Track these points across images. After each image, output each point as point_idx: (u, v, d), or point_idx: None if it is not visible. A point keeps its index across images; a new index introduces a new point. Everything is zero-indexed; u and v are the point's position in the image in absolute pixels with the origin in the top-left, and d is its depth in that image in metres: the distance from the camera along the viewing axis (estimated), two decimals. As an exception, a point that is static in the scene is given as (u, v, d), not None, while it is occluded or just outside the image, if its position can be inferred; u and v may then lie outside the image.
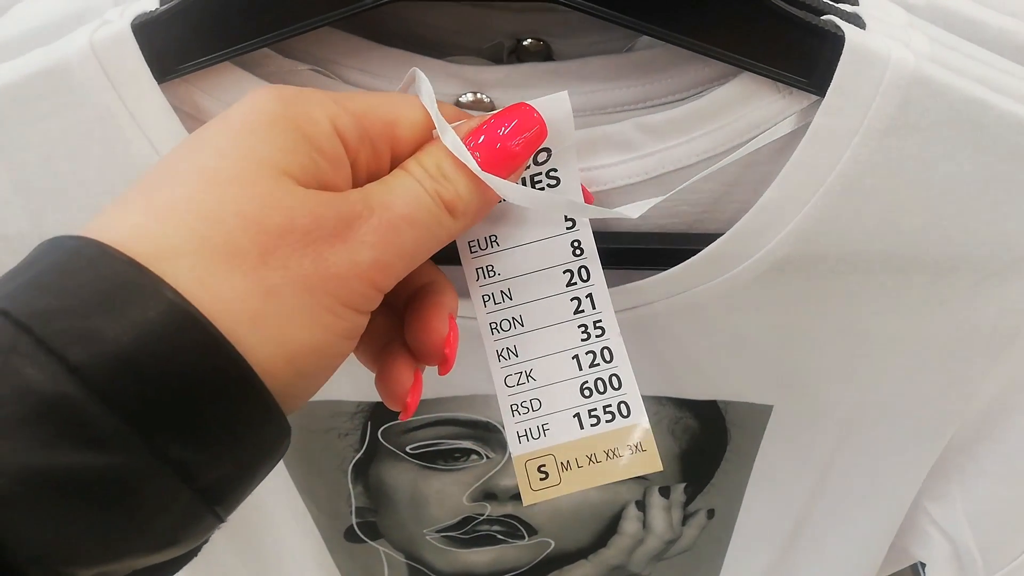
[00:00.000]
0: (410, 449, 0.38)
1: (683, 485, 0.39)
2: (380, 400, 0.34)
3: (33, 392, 0.16)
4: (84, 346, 0.16)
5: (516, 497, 0.40)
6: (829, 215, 0.26)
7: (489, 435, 0.37)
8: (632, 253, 0.29)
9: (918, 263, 0.27)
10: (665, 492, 0.40)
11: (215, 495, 0.18)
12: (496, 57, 0.32)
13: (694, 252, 0.28)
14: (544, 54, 0.32)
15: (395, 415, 0.36)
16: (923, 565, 0.37)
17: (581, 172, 0.27)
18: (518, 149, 0.23)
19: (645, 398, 0.33)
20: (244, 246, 0.18)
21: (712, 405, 0.35)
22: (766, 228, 0.27)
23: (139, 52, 0.25)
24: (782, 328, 0.30)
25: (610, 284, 0.26)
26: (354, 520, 0.43)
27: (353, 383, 0.34)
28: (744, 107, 0.26)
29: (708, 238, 0.28)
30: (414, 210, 0.21)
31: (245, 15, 0.25)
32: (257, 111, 0.20)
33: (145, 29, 0.25)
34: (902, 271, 0.28)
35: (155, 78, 0.26)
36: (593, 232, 0.26)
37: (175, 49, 0.26)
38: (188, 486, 0.17)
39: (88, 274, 0.17)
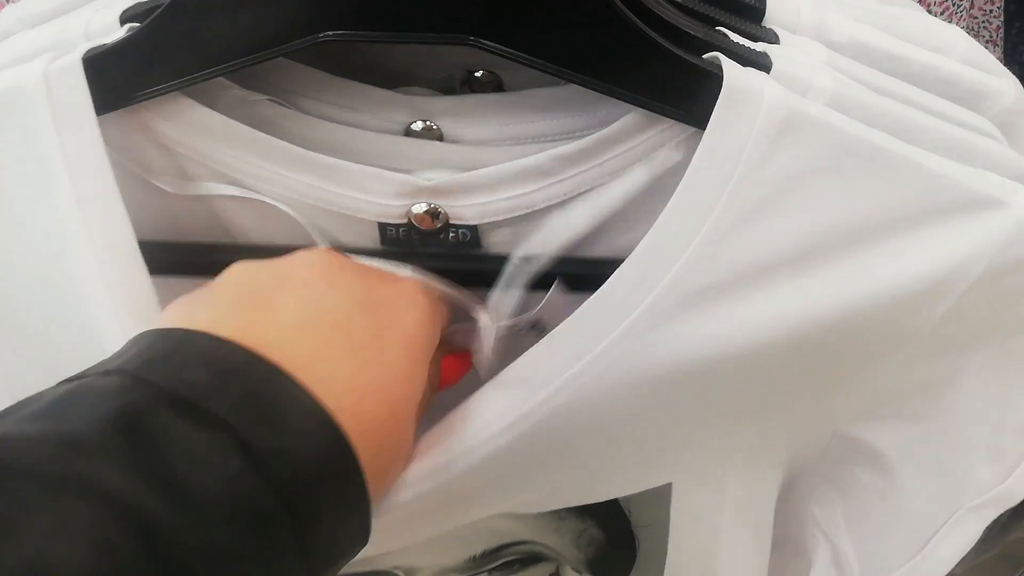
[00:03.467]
0: None
1: None
2: None
3: (241, 491, 0.19)
4: (284, 460, 0.20)
5: None
6: (703, 260, 0.26)
7: None
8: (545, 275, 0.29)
9: (790, 310, 0.27)
10: (579, 568, 0.38)
11: None
12: (449, 88, 0.34)
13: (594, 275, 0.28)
14: (495, 85, 0.34)
15: None
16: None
17: (511, 200, 0.29)
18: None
19: (544, 515, 0.34)
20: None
21: (613, 505, 0.33)
22: (647, 274, 0.27)
23: (85, 83, 0.27)
24: (668, 386, 0.28)
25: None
26: None
27: None
28: (642, 134, 0.28)
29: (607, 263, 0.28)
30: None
31: (181, 53, 0.27)
32: (420, 330, 0.26)
33: (94, 61, 0.27)
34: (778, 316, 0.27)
35: (99, 111, 0.27)
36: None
37: (125, 81, 0.27)
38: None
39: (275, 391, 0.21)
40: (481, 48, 0.25)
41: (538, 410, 0.27)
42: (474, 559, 0.37)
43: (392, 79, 0.33)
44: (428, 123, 0.31)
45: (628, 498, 0.33)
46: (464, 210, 0.29)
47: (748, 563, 0.34)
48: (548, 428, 0.27)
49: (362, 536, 0.23)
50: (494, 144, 0.31)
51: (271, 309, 0.23)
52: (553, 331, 0.28)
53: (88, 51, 0.27)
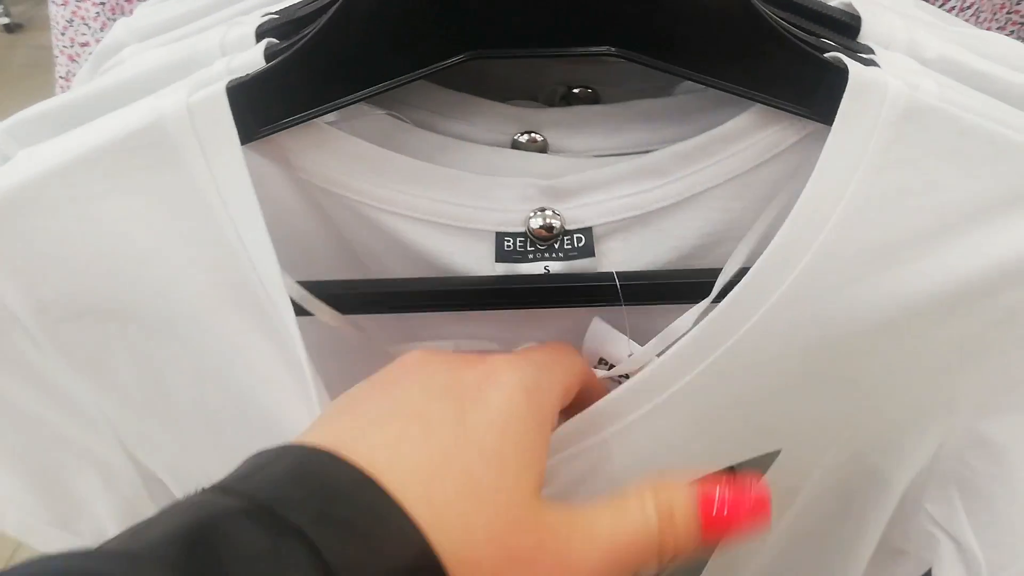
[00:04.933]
0: None
1: None
2: None
3: None
4: (360, 572, 0.18)
5: None
6: (841, 243, 0.27)
7: None
8: (663, 287, 0.30)
9: (921, 290, 0.29)
10: None
11: None
12: (550, 102, 0.35)
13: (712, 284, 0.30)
14: (592, 100, 0.35)
15: None
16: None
17: (626, 198, 0.30)
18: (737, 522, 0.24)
19: None
20: (486, 552, 0.21)
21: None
22: (785, 262, 0.28)
23: (228, 114, 0.27)
24: (796, 364, 0.30)
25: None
26: None
27: None
28: (760, 132, 0.29)
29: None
30: (636, 541, 0.23)
31: (325, 79, 0.28)
32: (511, 408, 0.23)
33: (237, 93, 0.27)
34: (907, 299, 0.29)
35: (243, 139, 0.28)
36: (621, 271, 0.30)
37: (268, 109, 0.28)
38: None
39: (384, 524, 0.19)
40: (619, 58, 0.27)
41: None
42: None
43: (493, 94, 0.35)
44: (533, 134, 0.33)
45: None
46: (581, 211, 0.31)
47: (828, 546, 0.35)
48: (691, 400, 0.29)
49: None
50: (597, 153, 0.32)
51: (357, 413, 0.23)
52: (705, 319, 0.29)
53: (231, 82, 0.28)
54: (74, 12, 0.49)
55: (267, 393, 0.31)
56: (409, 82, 0.28)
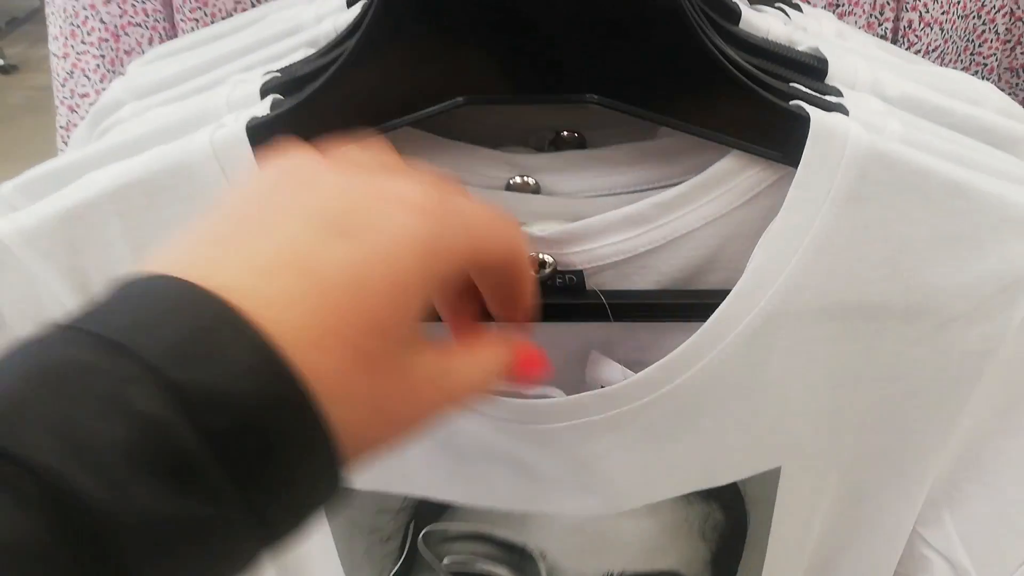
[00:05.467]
0: (447, 562, 0.40)
1: None
2: (425, 498, 0.37)
3: (163, 440, 0.17)
4: (217, 402, 0.17)
5: None
6: (808, 272, 0.30)
7: (524, 562, 0.39)
8: (647, 307, 0.33)
9: (886, 311, 0.32)
10: None
11: (277, 542, 0.19)
12: (539, 147, 0.37)
13: (697, 304, 0.32)
14: (578, 143, 0.37)
15: (437, 516, 0.39)
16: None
17: (614, 245, 0.32)
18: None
19: (677, 503, 0.37)
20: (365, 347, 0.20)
21: (732, 487, 0.37)
22: (758, 286, 0.31)
23: (249, 152, 0.30)
24: (776, 384, 0.33)
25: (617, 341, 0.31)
26: None
27: (403, 475, 0.37)
28: (736, 177, 0.31)
29: (712, 293, 0.32)
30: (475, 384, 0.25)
31: (333, 121, 0.30)
32: (410, 234, 0.21)
33: (256, 131, 0.30)
34: (874, 318, 0.32)
35: None
36: (614, 289, 0.32)
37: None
38: (260, 538, 0.19)
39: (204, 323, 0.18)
40: (601, 106, 0.29)
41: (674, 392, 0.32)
42: None
43: (485, 141, 0.37)
44: (525, 178, 0.35)
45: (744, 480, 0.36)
46: (572, 257, 0.33)
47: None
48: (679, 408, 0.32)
49: (330, 487, 0.20)
50: (587, 195, 0.34)
51: (236, 246, 0.21)
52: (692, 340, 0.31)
53: (250, 121, 0.30)
54: (74, 64, 0.51)
55: None
56: (409, 123, 0.30)
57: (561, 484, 0.35)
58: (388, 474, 0.36)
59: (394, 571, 0.40)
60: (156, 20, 0.51)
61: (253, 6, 0.51)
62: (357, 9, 0.36)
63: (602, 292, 0.33)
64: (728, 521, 0.39)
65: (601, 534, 0.38)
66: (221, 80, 0.37)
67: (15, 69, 2.95)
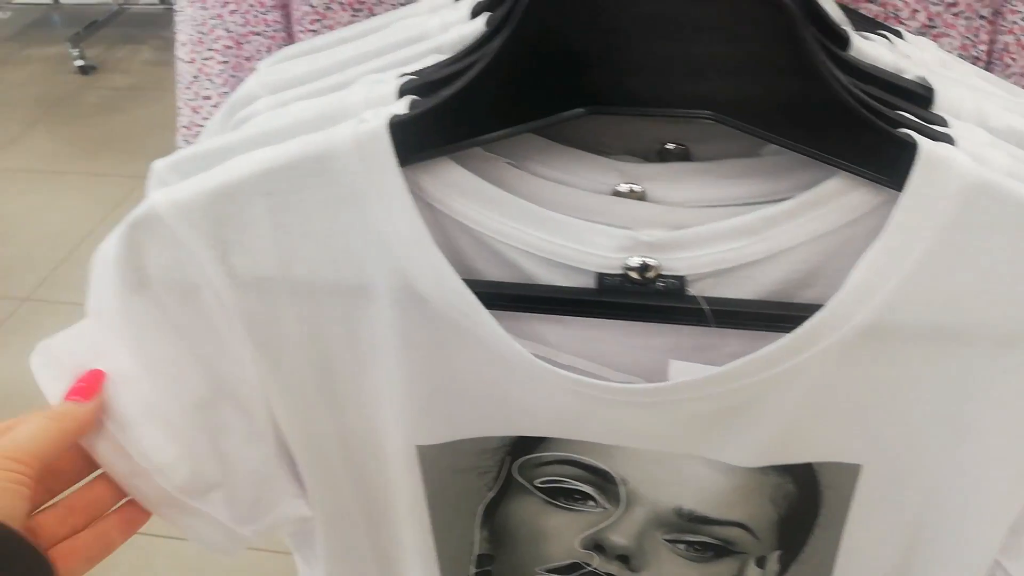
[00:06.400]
0: (538, 483, 0.43)
1: (778, 554, 0.43)
2: (522, 436, 0.40)
3: None
4: None
5: (622, 558, 0.44)
6: (906, 293, 0.32)
7: (607, 485, 0.42)
8: (750, 316, 0.35)
9: (982, 337, 0.33)
10: (761, 563, 0.43)
11: None
12: (646, 158, 0.39)
13: (795, 316, 0.33)
14: (683, 156, 0.39)
15: (532, 448, 0.42)
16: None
17: (718, 254, 0.34)
18: None
19: (751, 469, 0.39)
20: None
21: (808, 468, 0.39)
22: (856, 302, 0.33)
23: (391, 145, 0.33)
24: (862, 394, 0.35)
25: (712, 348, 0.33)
26: (473, 570, 0.47)
27: (505, 419, 0.40)
28: (842, 198, 0.33)
29: (807, 307, 0.34)
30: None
31: (467, 122, 0.33)
32: None
33: (396, 128, 0.33)
34: (969, 343, 0.33)
35: (399, 164, 0.33)
36: (715, 296, 0.34)
37: (414, 144, 0.33)
38: None
39: None
40: (719, 122, 0.31)
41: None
42: (681, 512, 0.41)
43: (594, 149, 0.39)
44: (633, 186, 0.37)
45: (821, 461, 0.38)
46: (676, 262, 0.35)
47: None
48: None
49: None
50: (693, 206, 0.36)
51: None
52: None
53: (392, 118, 0.33)
54: (200, 69, 0.54)
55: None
56: (533, 129, 0.33)
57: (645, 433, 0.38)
58: (491, 420, 0.40)
59: (489, 499, 0.43)
60: (275, 31, 0.54)
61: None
62: (482, 21, 0.39)
63: (704, 298, 0.34)
64: (800, 495, 0.40)
65: (678, 471, 0.40)
66: (350, 81, 0.40)
67: (93, 70, 3.08)
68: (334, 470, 0.43)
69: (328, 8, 0.53)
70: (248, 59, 0.54)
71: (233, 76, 0.54)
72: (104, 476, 0.38)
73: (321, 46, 0.46)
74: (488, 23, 0.38)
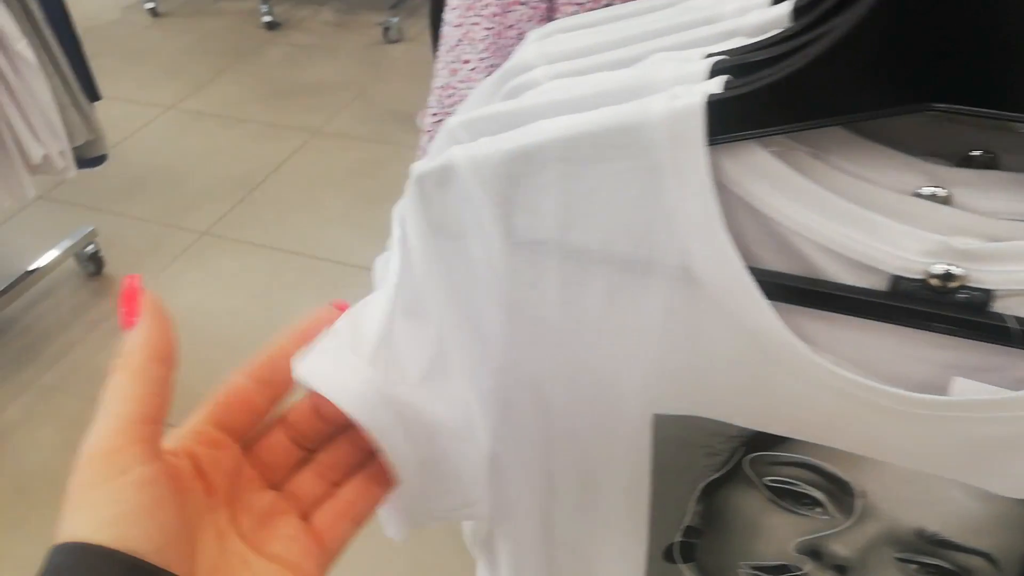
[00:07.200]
0: (767, 480, 0.43)
1: None
2: (761, 431, 0.40)
3: None
4: None
5: (839, 568, 0.43)
6: None
7: (842, 496, 0.41)
8: None
9: None
10: None
11: None
12: (952, 162, 0.37)
13: None
14: (989, 164, 0.37)
15: (770, 446, 0.41)
16: None
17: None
18: None
19: (1013, 500, 0.37)
20: None
21: None
22: None
23: (703, 123, 0.33)
24: None
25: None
26: (678, 538, 0.48)
27: (753, 411, 0.39)
28: None
29: None
30: None
31: (787, 107, 0.33)
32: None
33: (713, 106, 0.33)
34: None
35: (707, 143, 0.33)
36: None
37: (725, 124, 0.33)
38: None
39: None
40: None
41: None
42: (923, 534, 0.40)
43: (892, 146, 0.38)
44: (937, 190, 0.35)
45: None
46: (985, 275, 0.33)
47: None
48: None
49: None
50: (1005, 217, 0.34)
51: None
52: None
53: (709, 96, 0.33)
54: (465, 34, 0.56)
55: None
56: (865, 120, 0.31)
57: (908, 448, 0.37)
58: (737, 409, 0.39)
59: (711, 479, 0.43)
60: (539, 1, 0.55)
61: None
62: (786, 7, 0.38)
63: (1015, 317, 0.32)
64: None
65: (928, 491, 0.38)
66: (638, 57, 0.40)
67: (278, 26, 3.26)
68: (551, 427, 0.44)
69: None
70: (510, 27, 0.55)
71: (495, 43, 0.56)
72: (351, 428, 0.35)
73: (597, 20, 0.46)
74: (797, 10, 0.37)
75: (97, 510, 0.27)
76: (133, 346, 0.30)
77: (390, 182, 2.35)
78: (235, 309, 1.91)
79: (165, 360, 0.30)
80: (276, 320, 1.88)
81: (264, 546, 0.32)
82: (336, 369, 0.34)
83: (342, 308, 0.37)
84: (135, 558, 0.26)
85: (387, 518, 0.42)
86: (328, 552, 0.34)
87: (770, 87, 0.32)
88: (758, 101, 0.32)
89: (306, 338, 0.35)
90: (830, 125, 0.32)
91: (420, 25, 3.22)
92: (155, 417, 0.29)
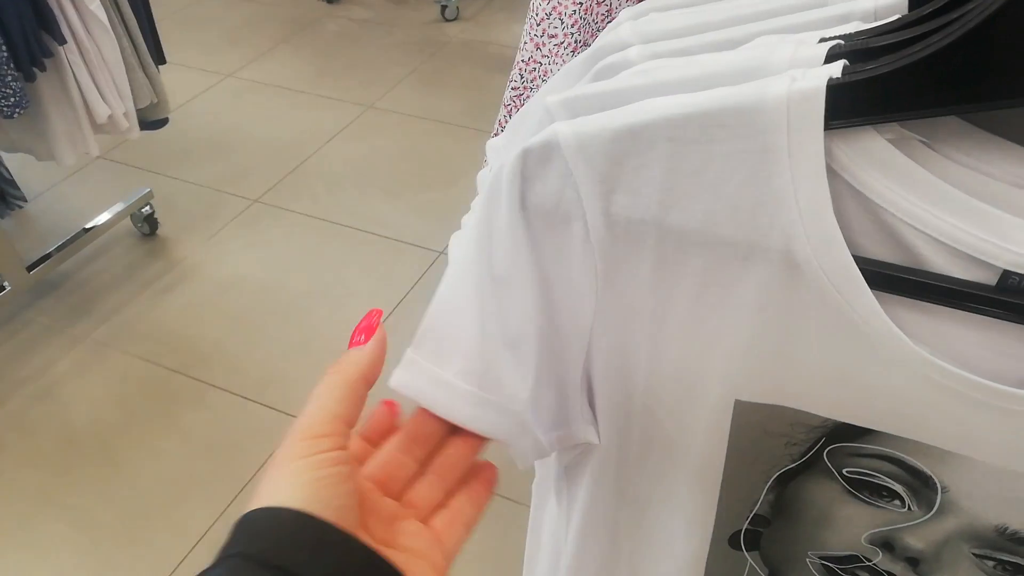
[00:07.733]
0: (846, 471, 0.43)
1: None
2: (845, 422, 0.39)
3: None
4: None
5: (911, 560, 0.43)
6: None
7: (923, 489, 0.41)
8: None
9: None
10: None
11: None
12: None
13: None
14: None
15: (852, 437, 0.41)
16: None
17: None
18: None
19: None
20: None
21: None
22: None
23: (822, 107, 0.33)
24: None
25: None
26: (745, 526, 0.48)
27: (840, 402, 0.39)
28: None
29: None
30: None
31: (909, 93, 0.32)
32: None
33: (834, 90, 0.33)
34: None
35: (824, 127, 0.33)
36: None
37: (843, 109, 0.33)
38: None
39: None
40: None
41: None
42: (1004, 531, 0.40)
43: (1009, 138, 0.37)
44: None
45: None
46: (1099, 273, 0.32)
47: None
48: None
49: None
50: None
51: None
52: None
53: (830, 80, 0.33)
54: (554, 8, 0.56)
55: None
56: (990, 108, 0.31)
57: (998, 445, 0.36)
58: (819, 399, 0.39)
59: (787, 468, 0.43)
60: (631, -21, 0.55)
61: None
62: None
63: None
64: None
65: (1013, 488, 0.38)
66: (742, 39, 0.40)
67: (337, 0, 3.28)
68: (633, 407, 0.45)
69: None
70: (600, 3, 0.55)
71: (583, 19, 0.55)
72: (460, 432, 0.39)
73: (694, 1, 0.46)
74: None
75: (298, 475, 0.32)
76: (353, 361, 0.36)
77: (440, 159, 2.36)
78: (280, 277, 1.95)
79: (369, 383, 0.36)
80: (319, 291, 1.91)
81: (392, 542, 0.35)
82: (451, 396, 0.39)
83: (392, 407, 0.40)
84: (321, 520, 0.31)
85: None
86: (447, 552, 0.37)
87: (893, 73, 0.32)
88: (880, 87, 0.32)
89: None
90: (956, 114, 0.32)
91: (477, 5, 3.22)
92: (351, 421, 0.35)
